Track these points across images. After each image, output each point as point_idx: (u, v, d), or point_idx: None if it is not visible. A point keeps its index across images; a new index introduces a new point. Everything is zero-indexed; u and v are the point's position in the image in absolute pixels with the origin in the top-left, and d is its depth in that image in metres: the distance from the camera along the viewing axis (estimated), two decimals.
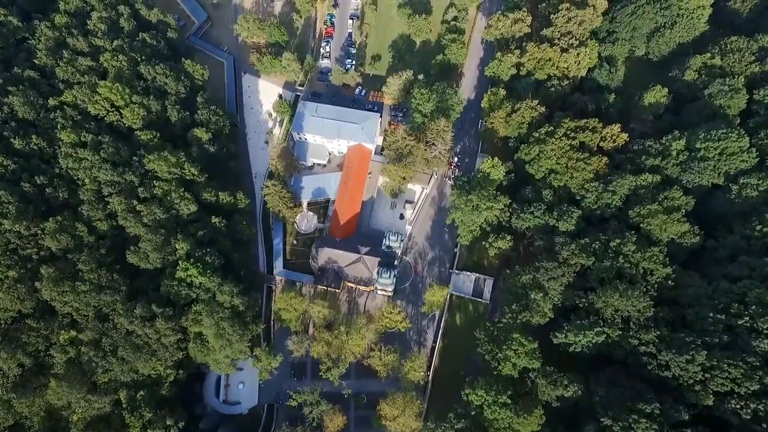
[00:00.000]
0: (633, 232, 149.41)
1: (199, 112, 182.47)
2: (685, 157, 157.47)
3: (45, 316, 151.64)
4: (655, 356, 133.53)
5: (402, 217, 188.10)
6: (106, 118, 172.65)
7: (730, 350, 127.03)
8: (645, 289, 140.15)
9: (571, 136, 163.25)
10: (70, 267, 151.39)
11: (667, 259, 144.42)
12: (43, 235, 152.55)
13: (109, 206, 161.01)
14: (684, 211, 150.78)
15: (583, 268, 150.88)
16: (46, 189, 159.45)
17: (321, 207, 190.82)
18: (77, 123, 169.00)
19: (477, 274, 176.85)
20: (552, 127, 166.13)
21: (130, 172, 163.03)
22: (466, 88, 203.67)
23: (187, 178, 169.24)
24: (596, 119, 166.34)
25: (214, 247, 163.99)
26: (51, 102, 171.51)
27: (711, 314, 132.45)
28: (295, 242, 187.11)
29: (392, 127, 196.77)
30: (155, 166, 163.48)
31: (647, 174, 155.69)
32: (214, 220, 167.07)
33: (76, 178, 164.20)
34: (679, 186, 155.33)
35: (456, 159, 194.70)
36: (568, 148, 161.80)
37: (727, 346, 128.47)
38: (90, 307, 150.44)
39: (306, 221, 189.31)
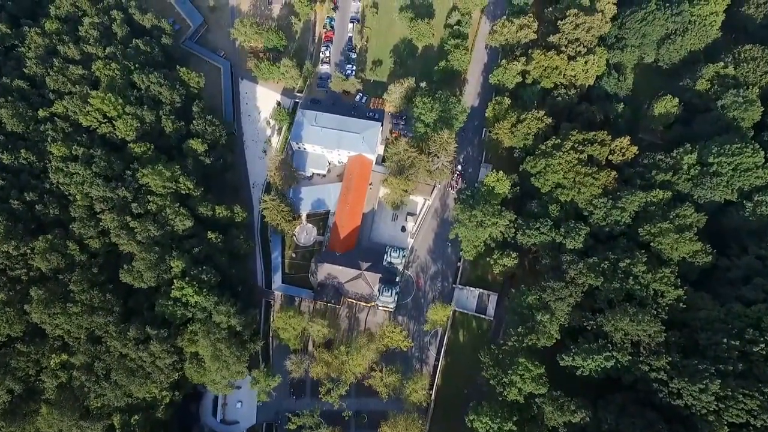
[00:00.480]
0: (643, 251, 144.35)
1: (194, 122, 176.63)
2: (696, 171, 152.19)
3: (35, 340, 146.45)
4: (667, 383, 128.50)
5: (404, 229, 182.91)
6: (98, 130, 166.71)
7: (745, 379, 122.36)
8: (655, 312, 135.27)
9: (579, 149, 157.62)
10: (61, 288, 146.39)
11: (678, 280, 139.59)
12: (32, 255, 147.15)
13: (101, 223, 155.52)
14: (696, 228, 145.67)
15: (591, 287, 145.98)
16: (36, 206, 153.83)
17: (321, 219, 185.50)
18: (68, 135, 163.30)
19: (481, 290, 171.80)
20: (559, 140, 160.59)
21: (123, 187, 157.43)
22: (470, 95, 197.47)
23: (183, 192, 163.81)
24: (605, 131, 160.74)
25: (211, 264, 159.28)
26: (41, 113, 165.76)
27: (725, 340, 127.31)
28: (294, 255, 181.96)
29: (394, 135, 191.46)
30: (149, 181, 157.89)
31: (658, 190, 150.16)
32: (211, 235, 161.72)
33: (67, 193, 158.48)
34: (690, 202, 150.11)
35: (459, 167, 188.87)
36: (576, 162, 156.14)
37: (743, 374, 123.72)
38: (82, 329, 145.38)
39: (305, 233, 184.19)
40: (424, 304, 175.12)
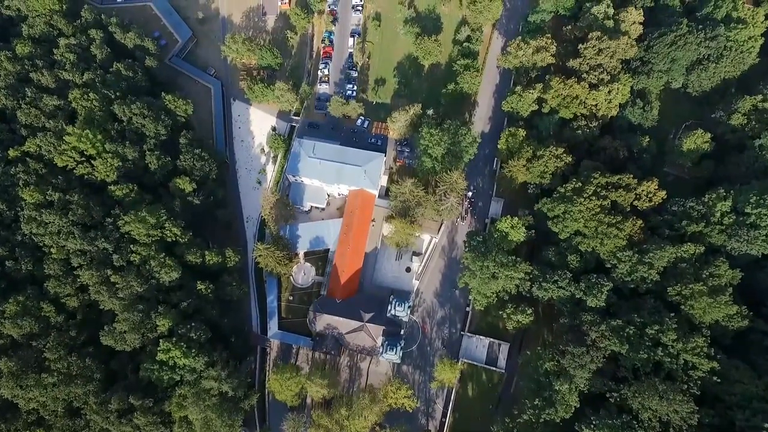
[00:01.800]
0: (672, 314, 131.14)
1: (181, 157, 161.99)
2: (731, 220, 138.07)
3: (6, 416, 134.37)
4: None
5: (409, 270, 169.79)
6: (75, 171, 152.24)
7: None
8: (686, 387, 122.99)
9: (602, 194, 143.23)
10: (35, 355, 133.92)
11: (711, 349, 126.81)
12: (2, 321, 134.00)
13: (79, 279, 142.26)
14: (731, 288, 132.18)
15: (615, 352, 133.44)
16: (7, 262, 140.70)
17: (319, 258, 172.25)
18: (42, 178, 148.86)
19: (491, 339, 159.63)
20: (580, 183, 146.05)
21: (102, 238, 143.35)
22: (480, 120, 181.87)
23: (169, 239, 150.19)
24: (630, 175, 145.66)
25: (200, 318, 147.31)
26: (11, 153, 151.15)
27: (765, 425, 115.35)
28: (291, 298, 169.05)
29: (398, 164, 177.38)
30: (132, 229, 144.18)
31: (689, 244, 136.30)
32: (200, 286, 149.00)
33: (41, 245, 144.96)
34: (723, 255, 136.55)
35: (470, 194, 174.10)
36: (598, 209, 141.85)
37: None
38: (59, 401, 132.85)
39: (303, 273, 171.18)
40: (431, 352, 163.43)
